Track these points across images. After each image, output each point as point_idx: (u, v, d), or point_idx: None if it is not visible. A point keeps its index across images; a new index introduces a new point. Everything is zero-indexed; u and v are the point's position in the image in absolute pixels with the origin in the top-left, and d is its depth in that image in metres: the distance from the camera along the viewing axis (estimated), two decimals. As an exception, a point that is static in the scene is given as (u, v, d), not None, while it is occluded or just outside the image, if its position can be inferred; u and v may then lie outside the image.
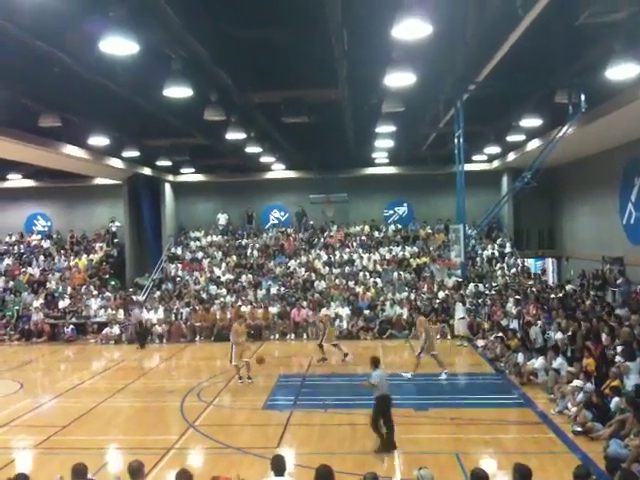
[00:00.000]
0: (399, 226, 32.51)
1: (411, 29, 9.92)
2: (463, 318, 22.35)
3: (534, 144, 23.12)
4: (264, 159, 26.85)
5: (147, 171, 29.67)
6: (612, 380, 12.75)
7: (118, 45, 10.19)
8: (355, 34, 12.20)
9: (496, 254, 29.46)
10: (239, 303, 25.93)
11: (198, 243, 32.42)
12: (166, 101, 15.16)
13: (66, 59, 12.38)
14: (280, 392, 16.15)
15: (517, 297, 23.28)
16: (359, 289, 26.82)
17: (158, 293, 27.73)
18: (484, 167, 30.35)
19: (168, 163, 27.28)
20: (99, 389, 16.81)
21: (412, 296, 25.88)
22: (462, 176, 20.19)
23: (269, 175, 32.08)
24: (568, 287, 23.52)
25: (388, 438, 11.22)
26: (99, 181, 31.72)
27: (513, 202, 28.25)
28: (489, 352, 19.58)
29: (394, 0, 9.81)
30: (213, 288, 27.87)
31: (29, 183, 31.97)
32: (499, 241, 30.40)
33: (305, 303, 25.23)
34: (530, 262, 31.00)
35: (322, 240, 31.72)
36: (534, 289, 24.67)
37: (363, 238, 31.55)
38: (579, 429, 11.84)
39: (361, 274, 28.32)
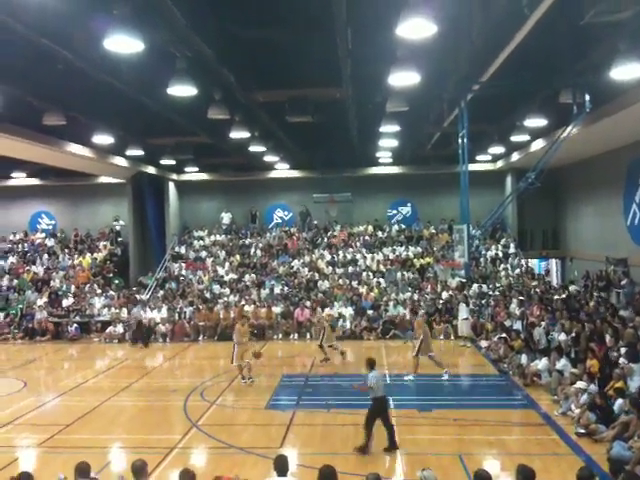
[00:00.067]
0: (403, 226, 32.47)
1: (416, 28, 9.90)
2: (466, 319, 22.29)
3: (538, 144, 23.08)
4: (268, 158, 26.87)
5: (151, 170, 29.70)
6: (616, 382, 12.71)
7: (123, 43, 10.21)
8: (359, 33, 12.18)
9: (500, 254, 29.40)
10: (242, 302, 25.93)
11: (202, 242, 32.43)
12: (170, 100, 15.17)
13: (71, 57, 12.41)
14: (283, 392, 16.15)
15: (521, 298, 23.22)
16: (362, 289, 26.80)
17: (162, 292, 27.75)
18: (488, 167, 30.30)
19: (172, 162, 27.32)
20: (102, 388, 16.82)
21: (415, 296, 25.84)
22: (466, 176, 20.17)
23: (273, 174, 32.09)
24: (572, 288, 23.46)
25: (389, 438, 11.20)
26: (103, 180, 31.78)
27: (517, 202, 28.26)
28: (492, 353, 19.54)
29: (399, -1, 9.80)
30: (216, 287, 27.89)
31: (33, 181, 32.09)
32: (503, 241, 30.34)
33: (308, 303, 25.22)
34: (534, 263, 30.96)
35: (326, 240, 31.70)
36: (538, 290, 24.61)
37: (367, 238, 31.53)
38: (582, 431, 11.80)
39: (364, 274, 28.30)
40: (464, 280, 25.29)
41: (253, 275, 28.85)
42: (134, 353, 22.05)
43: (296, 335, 24.27)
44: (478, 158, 27.82)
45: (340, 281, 27.67)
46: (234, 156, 26.41)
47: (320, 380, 17.47)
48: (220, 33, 12.34)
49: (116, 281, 29.77)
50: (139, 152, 23.79)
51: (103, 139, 20.48)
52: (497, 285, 26.41)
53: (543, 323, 18.96)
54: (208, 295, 27.15)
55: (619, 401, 11.90)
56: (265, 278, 28.56)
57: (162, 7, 10.03)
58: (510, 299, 23.67)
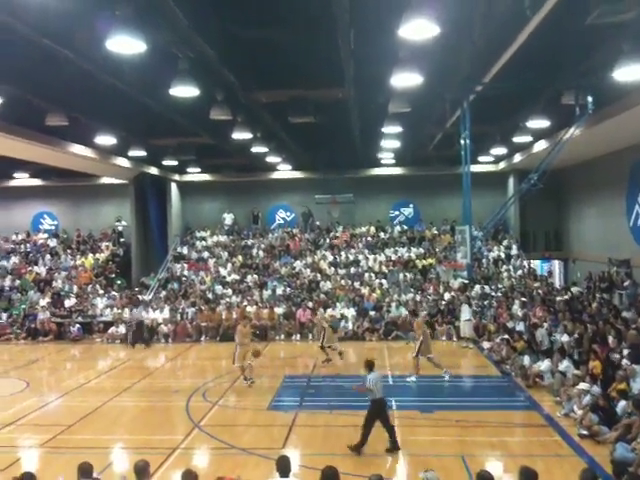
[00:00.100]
0: (405, 227, 32.45)
1: (418, 29, 9.90)
2: (469, 320, 22.26)
3: (541, 145, 23.06)
4: (270, 159, 26.88)
5: (153, 170, 29.74)
6: (619, 383, 12.68)
7: (125, 44, 10.23)
8: (362, 34, 12.17)
9: (502, 256, 29.37)
10: (245, 303, 25.95)
11: (204, 243, 32.44)
12: (173, 100, 15.19)
13: (73, 58, 12.42)
14: (285, 393, 16.15)
15: (523, 299, 23.22)
16: (365, 290, 26.79)
17: (164, 293, 27.77)
18: (490, 168, 30.28)
19: (174, 162, 27.37)
20: (105, 388, 16.83)
21: (418, 297, 25.82)
22: (468, 177, 20.18)
23: (275, 175, 32.11)
24: (574, 289, 23.42)
25: (390, 439, 11.19)
26: (105, 180, 31.83)
27: (519, 204, 28.16)
28: (495, 354, 19.52)
29: (402, 0, 9.78)
30: (219, 288, 27.88)
31: (36, 182, 32.14)
32: (505, 243, 30.31)
33: (311, 304, 25.21)
34: (536, 264, 30.90)
35: (328, 241, 31.70)
36: (540, 291, 24.60)
37: (369, 239, 31.52)
38: (585, 432, 11.77)
39: (367, 275, 28.29)
40: (466, 281, 25.29)
41: (255, 276, 28.85)
42: (136, 354, 22.04)
43: (298, 336, 24.25)
44: (480, 159, 27.81)
45: (342, 282, 27.67)
46: (236, 157, 26.43)
47: (322, 381, 17.46)
48: (222, 34, 12.35)
49: (118, 282, 29.78)
50: (141, 153, 23.82)
51: (105, 140, 20.54)
52: (499, 286, 26.39)
53: (546, 324, 18.94)
54: (210, 296, 27.15)
55: (622, 403, 11.89)
56: (267, 279, 28.56)
57: (164, 8, 10.04)
58: (512, 300, 23.66)
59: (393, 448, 11.13)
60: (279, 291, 27.27)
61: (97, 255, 31.48)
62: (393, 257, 29.78)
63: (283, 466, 7.29)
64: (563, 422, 12.80)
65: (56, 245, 32.58)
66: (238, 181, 32.60)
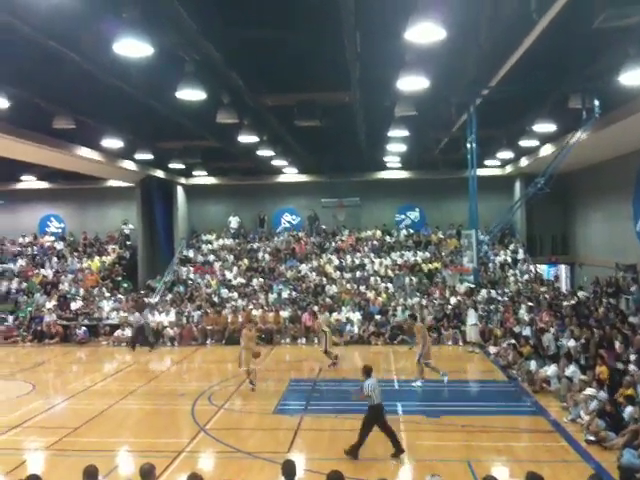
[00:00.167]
0: (411, 231, 32.38)
1: (425, 32, 9.88)
2: (475, 324, 22.22)
3: (547, 149, 23.01)
4: (276, 162, 26.90)
5: (160, 174, 29.81)
6: (626, 389, 12.60)
7: (132, 47, 10.24)
8: (368, 37, 12.17)
9: (509, 260, 29.30)
10: (250, 307, 25.95)
11: (210, 246, 32.48)
12: (179, 103, 15.22)
13: (80, 61, 12.45)
14: (291, 397, 16.12)
15: (530, 304, 23.16)
16: (370, 294, 26.75)
17: (170, 296, 27.80)
18: (497, 172, 30.20)
19: (181, 166, 27.43)
20: (111, 391, 16.84)
21: (424, 302, 25.76)
22: (475, 181, 20.12)
23: (281, 178, 32.14)
24: (581, 294, 23.33)
25: (393, 443, 11.14)
26: (112, 183, 31.94)
27: (526, 208, 28.15)
28: (501, 359, 19.45)
29: (408, 3, 9.77)
30: (224, 291, 27.91)
31: (43, 185, 32.27)
32: (512, 247, 30.23)
33: (316, 307, 25.19)
34: (543, 268, 30.80)
35: (334, 244, 31.68)
36: (547, 296, 24.53)
37: (375, 243, 31.47)
38: (592, 438, 11.71)
39: (372, 279, 28.26)
40: (473, 286, 25.20)
41: (261, 279, 28.86)
42: (142, 357, 22.06)
43: (304, 339, 24.23)
44: (487, 163, 27.74)
45: (348, 286, 27.64)
46: (242, 160, 26.48)
47: (328, 385, 17.42)
48: (229, 37, 12.35)
49: (125, 284, 29.84)
50: (148, 156, 23.87)
51: (112, 143, 20.61)
52: (506, 291, 26.33)
53: (552, 329, 18.89)
54: (216, 299, 27.17)
55: (629, 408, 11.82)
56: (273, 282, 28.57)
57: (171, 11, 10.06)
58: (519, 305, 23.60)
59: (398, 451, 11.09)
60: (285, 295, 27.26)
61: (103, 258, 31.56)
62: (399, 261, 29.74)
63: (288, 470, 7.28)
64: (570, 428, 12.74)
65: (63, 248, 32.68)
66: (244, 184, 32.64)
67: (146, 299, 27.05)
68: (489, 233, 25.09)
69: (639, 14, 10.51)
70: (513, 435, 12.60)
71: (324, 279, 28.50)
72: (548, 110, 18.00)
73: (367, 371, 11.63)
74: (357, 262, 29.83)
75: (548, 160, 21.37)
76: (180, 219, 32.79)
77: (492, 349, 21.07)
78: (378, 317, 24.69)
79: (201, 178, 32.30)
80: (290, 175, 31.59)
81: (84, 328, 25.33)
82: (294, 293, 27.41)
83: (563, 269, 31.85)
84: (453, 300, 25.41)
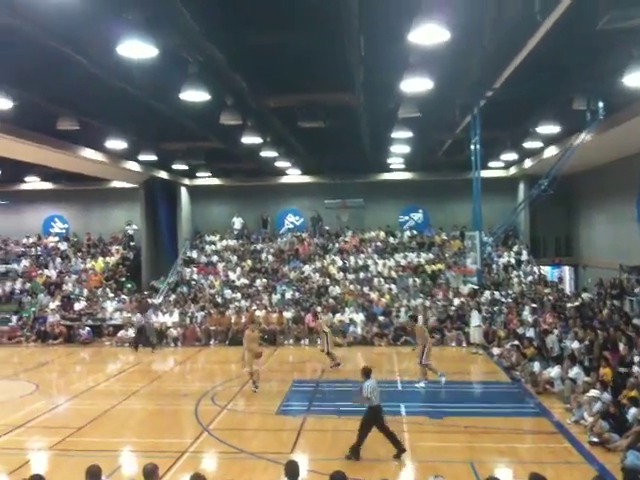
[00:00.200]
0: (414, 232, 32.36)
1: (428, 34, 9.89)
2: (479, 326, 22.19)
3: (551, 151, 22.98)
4: (280, 163, 26.93)
5: (163, 175, 29.86)
6: (629, 390, 12.58)
7: (136, 48, 10.28)
8: (372, 39, 12.17)
9: (512, 262, 29.27)
10: (254, 307, 25.98)
11: (213, 247, 32.52)
12: (183, 105, 15.25)
13: (85, 62, 12.48)
14: (294, 397, 16.13)
15: (533, 305, 23.12)
16: (374, 295, 26.75)
17: (173, 296, 27.84)
18: (501, 174, 30.18)
19: (184, 167, 27.48)
20: (114, 391, 16.88)
21: (427, 303, 25.75)
22: (478, 183, 20.10)
23: (284, 179, 32.16)
24: (585, 296, 23.27)
25: (393, 443, 11.13)
26: (116, 184, 32.01)
27: (530, 209, 28.11)
28: (505, 360, 19.42)
29: (412, 5, 9.78)
30: (228, 292, 27.94)
31: (47, 186, 32.35)
32: (515, 248, 30.20)
33: (319, 308, 25.20)
34: (547, 270, 30.76)
35: (337, 245, 31.69)
36: (551, 297, 24.48)
37: (378, 244, 31.47)
38: (596, 439, 11.68)
39: (376, 280, 28.25)
40: (476, 287, 25.17)
41: (264, 280, 28.89)
42: (145, 357, 22.10)
43: (307, 340, 24.24)
44: (490, 165, 27.75)
45: (351, 287, 27.64)
46: (246, 161, 26.51)
47: (331, 386, 17.42)
48: (232, 38, 12.36)
49: (128, 285, 29.92)
50: (152, 157, 23.94)
51: (116, 144, 20.66)
52: (509, 292, 26.31)
53: (556, 331, 18.84)
54: (219, 300, 27.21)
55: (633, 410, 11.79)
56: (276, 283, 28.59)
57: (175, 13, 10.08)
58: (523, 306, 23.57)
59: (399, 451, 11.08)
60: (288, 295, 27.29)
61: (107, 258, 31.61)
62: (402, 262, 29.73)
63: (292, 471, 7.28)
64: (573, 429, 12.72)
65: (66, 248, 32.75)
66: (247, 185, 32.68)
67: (150, 300, 27.09)
68: (493, 234, 25.05)
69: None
70: (516, 436, 12.59)
71: (327, 280, 28.51)
72: (552, 112, 17.99)
73: (366, 372, 11.63)
74: (360, 263, 29.82)
75: (552, 162, 21.35)
76: (184, 220, 32.85)
77: (495, 350, 21.05)
78: (381, 318, 24.71)
79: (205, 179, 32.35)
80: (293, 176, 31.62)
81: (88, 328, 25.39)
82: (297, 294, 27.44)
83: (567, 271, 31.82)
84: (457, 301, 25.40)
